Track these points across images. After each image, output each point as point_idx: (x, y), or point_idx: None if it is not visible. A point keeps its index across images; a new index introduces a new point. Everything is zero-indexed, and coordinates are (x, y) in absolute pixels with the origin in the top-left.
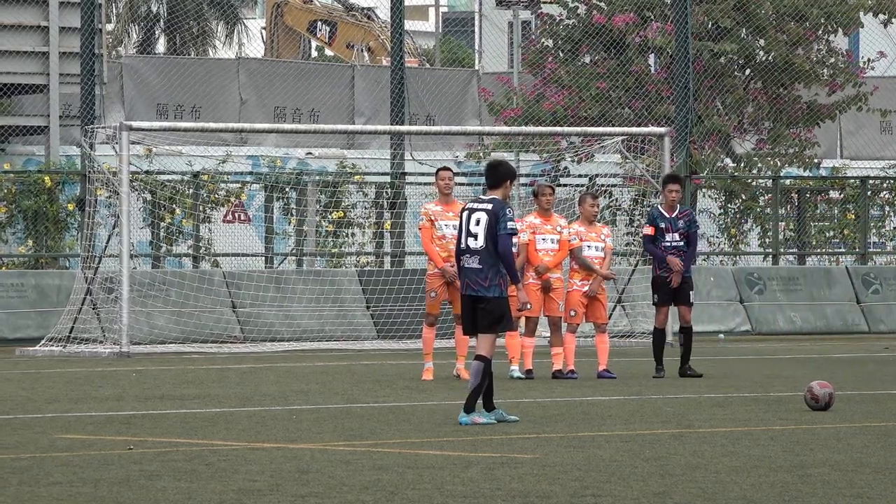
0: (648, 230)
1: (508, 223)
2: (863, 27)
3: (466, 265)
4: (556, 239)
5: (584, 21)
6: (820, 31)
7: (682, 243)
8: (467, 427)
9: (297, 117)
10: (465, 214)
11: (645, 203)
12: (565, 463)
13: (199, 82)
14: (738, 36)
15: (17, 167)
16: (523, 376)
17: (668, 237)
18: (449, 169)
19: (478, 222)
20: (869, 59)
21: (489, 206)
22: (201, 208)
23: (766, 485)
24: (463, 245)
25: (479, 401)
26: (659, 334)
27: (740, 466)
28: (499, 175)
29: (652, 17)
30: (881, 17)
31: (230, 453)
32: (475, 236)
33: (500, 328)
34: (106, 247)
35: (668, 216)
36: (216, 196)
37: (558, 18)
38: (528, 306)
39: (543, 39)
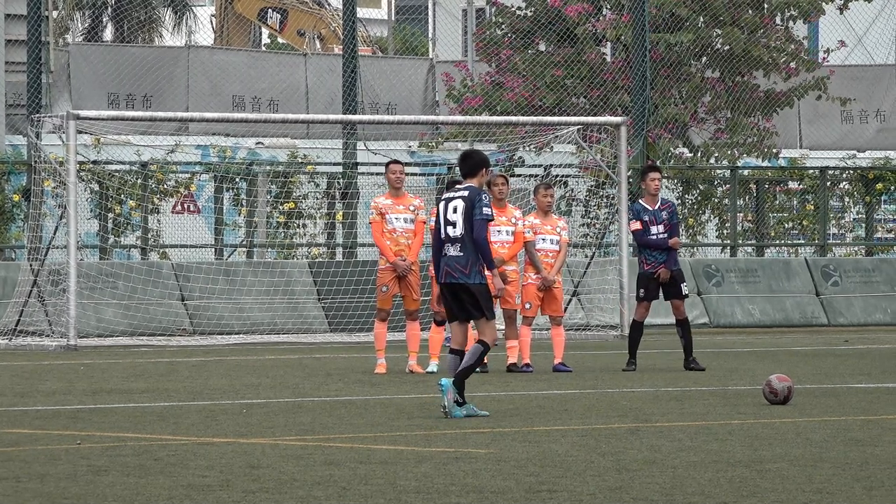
0: (637, 225)
1: (484, 209)
2: (824, 14)
3: (449, 253)
4: (510, 230)
5: (539, 8)
6: (778, 19)
7: (666, 235)
8: (420, 421)
9: (256, 106)
10: (441, 205)
11: (601, 193)
12: (520, 458)
13: (149, 71)
14: (694, 25)
15: None
16: (478, 370)
17: (654, 229)
18: (399, 162)
19: (455, 210)
20: (829, 50)
21: (465, 194)
22: (150, 199)
23: (723, 480)
24: (443, 234)
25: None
26: (637, 327)
27: (698, 461)
28: (474, 164)
29: (607, 6)
30: (837, 2)
31: (179, 448)
32: (454, 224)
33: (491, 313)
34: (53, 238)
35: (650, 209)
36: (165, 186)
37: (513, 8)
38: (504, 291)
39: (494, 28)
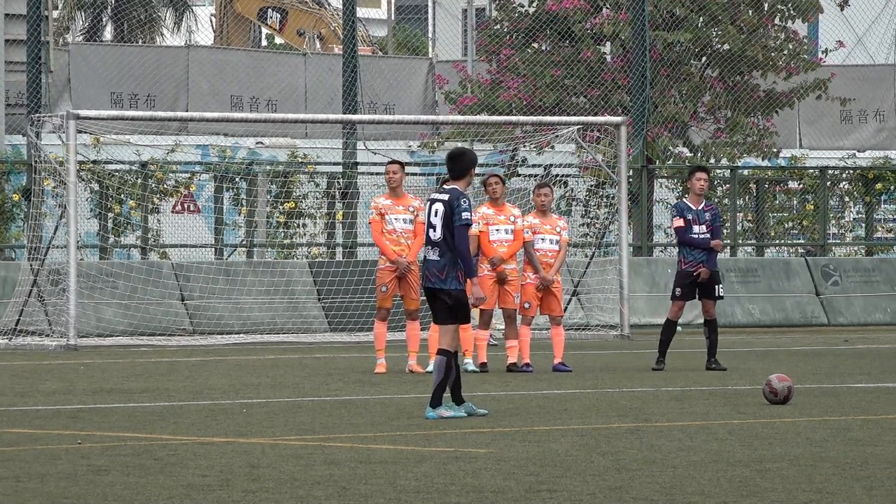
0: (679, 222)
1: (463, 214)
2: (822, 12)
3: (428, 257)
4: (509, 229)
5: (538, 9)
6: (777, 18)
7: (708, 236)
8: (420, 421)
9: (254, 106)
10: (427, 205)
11: (601, 193)
12: (520, 458)
13: (149, 70)
14: (692, 25)
15: None
16: (477, 370)
17: (696, 229)
18: (397, 162)
19: (436, 213)
20: (827, 50)
21: (446, 197)
22: (150, 199)
23: (723, 479)
24: (426, 236)
25: (448, 394)
26: (669, 326)
27: (698, 461)
28: (463, 165)
29: (605, 5)
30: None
31: (179, 448)
32: (434, 228)
33: (458, 321)
34: (52, 238)
35: (694, 208)
36: (165, 186)
37: (515, 3)
38: (484, 301)
39: (497, 24)
